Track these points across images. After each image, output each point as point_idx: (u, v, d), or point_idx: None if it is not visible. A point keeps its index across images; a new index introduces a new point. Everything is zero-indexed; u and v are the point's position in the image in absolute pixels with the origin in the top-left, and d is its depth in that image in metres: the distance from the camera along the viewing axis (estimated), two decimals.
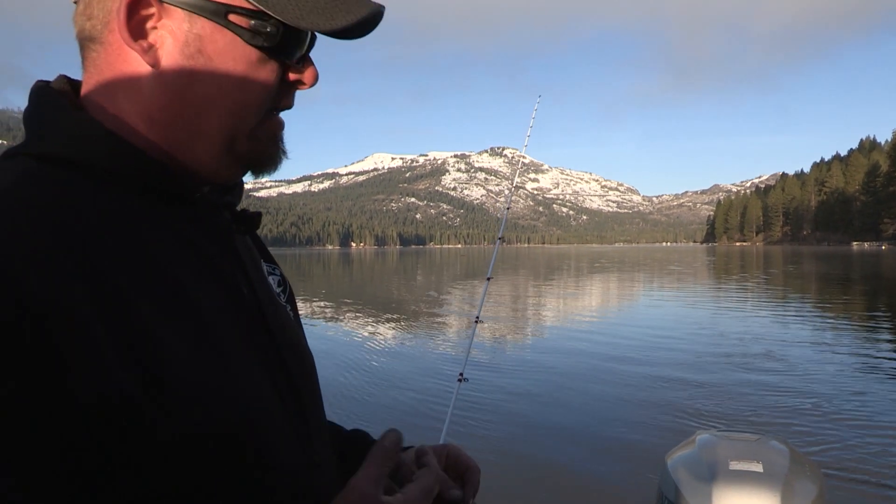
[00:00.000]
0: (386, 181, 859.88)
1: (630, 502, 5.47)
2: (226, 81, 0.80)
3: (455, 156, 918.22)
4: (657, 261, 76.81)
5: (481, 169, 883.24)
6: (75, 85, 0.85)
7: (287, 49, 0.82)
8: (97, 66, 0.80)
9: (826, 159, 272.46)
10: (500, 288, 33.50)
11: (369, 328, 17.99)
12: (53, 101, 0.80)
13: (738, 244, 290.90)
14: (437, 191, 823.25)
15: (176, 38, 0.78)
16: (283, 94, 0.86)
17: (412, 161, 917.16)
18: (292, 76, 0.85)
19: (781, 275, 43.95)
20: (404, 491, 0.82)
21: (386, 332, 17.31)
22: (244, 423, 0.75)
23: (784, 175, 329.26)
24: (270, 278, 1.02)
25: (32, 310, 0.60)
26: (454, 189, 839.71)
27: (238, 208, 0.94)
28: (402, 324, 19.25)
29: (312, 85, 0.87)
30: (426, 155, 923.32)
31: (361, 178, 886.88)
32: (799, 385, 10.01)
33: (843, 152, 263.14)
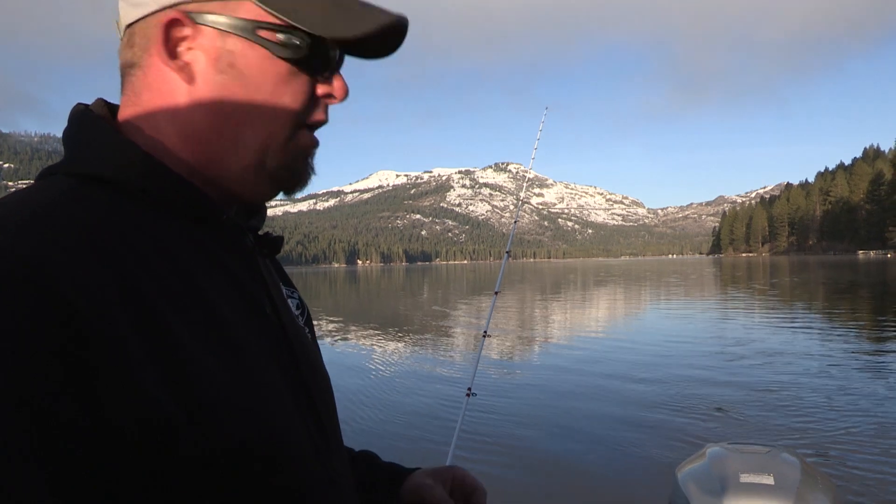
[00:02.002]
0: (391, 198, 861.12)
1: None
2: (257, 94, 0.82)
3: (459, 172, 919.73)
4: (664, 273, 76.65)
5: (486, 185, 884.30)
6: (112, 108, 0.89)
7: (315, 62, 0.85)
8: (135, 89, 0.84)
9: (830, 169, 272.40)
10: (508, 302, 33.46)
11: (376, 343, 17.96)
12: (92, 123, 0.83)
13: (744, 255, 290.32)
14: (443, 207, 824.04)
15: (209, 55, 0.81)
16: (313, 109, 0.88)
17: (417, 178, 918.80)
18: (321, 90, 0.87)
19: (789, 285, 43.78)
20: None
21: (393, 348, 17.27)
22: (273, 443, 0.77)
23: (789, 185, 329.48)
24: (289, 301, 1.04)
25: (76, 328, 0.62)
26: (459, 205, 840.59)
27: (260, 232, 0.96)
28: (410, 339, 19.22)
29: (343, 98, 0.89)
30: (431, 171, 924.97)
31: (366, 195, 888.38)
32: (810, 395, 9.96)
33: (848, 161, 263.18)
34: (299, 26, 0.82)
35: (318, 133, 0.86)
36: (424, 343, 18.32)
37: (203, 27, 0.81)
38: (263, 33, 0.81)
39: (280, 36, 0.82)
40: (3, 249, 0.63)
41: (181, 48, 0.82)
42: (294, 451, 0.81)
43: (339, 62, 0.89)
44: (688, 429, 8.28)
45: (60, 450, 0.59)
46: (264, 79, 0.82)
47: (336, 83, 0.88)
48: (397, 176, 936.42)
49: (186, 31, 0.81)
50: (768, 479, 2.18)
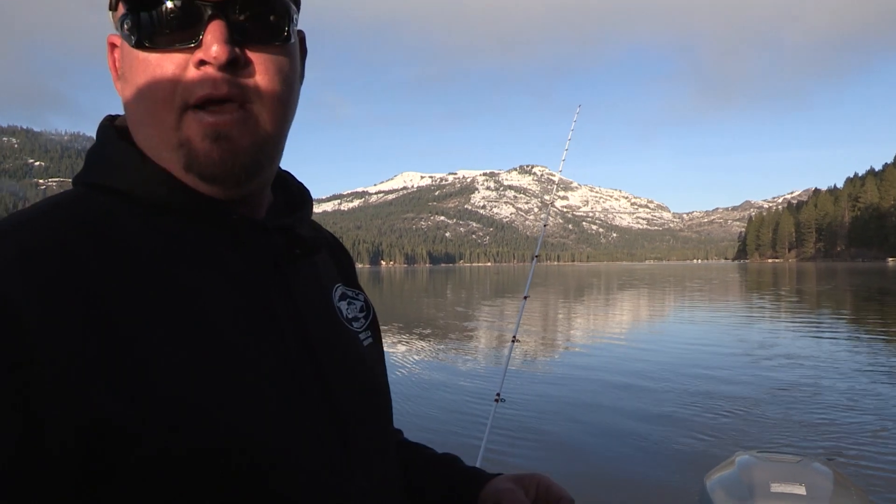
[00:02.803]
0: (415, 200, 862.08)
1: None
2: (136, 92, 0.79)
3: (484, 174, 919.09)
4: (690, 278, 76.14)
5: (510, 187, 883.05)
6: None
7: (155, 33, 0.77)
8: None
9: (860, 174, 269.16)
10: (535, 305, 33.40)
11: (403, 347, 17.99)
12: (105, 133, 0.85)
13: (770, 261, 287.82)
14: (467, 209, 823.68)
15: (120, 64, 0.82)
16: (191, 87, 0.78)
17: (441, 179, 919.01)
18: (195, 57, 0.77)
19: (819, 293, 43.30)
20: None
21: (420, 352, 17.30)
22: (249, 453, 0.73)
23: (816, 191, 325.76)
24: (346, 303, 1.01)
25: (18, 333, 0.62)
26: (483, 207, 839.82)
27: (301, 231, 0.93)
28: (437, 343, 19.23)
29: (222, 58, 0.76)
30: (455, 173, 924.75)
31: (391, 196, 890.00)
32: (843, 402, 9.86)
33: (878, 167, 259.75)
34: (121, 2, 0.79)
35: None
36: (452, 348, 18.33)
37: (119, 37, 0.81)
38: (126, 27, 0.79)
39: (127, 23, 0.78)
40: None
41: (117, 63, 0.84)
42: (284, 463, 0.76)
43: (197, 18, 0.77)
44: (716, 433, 8.24)
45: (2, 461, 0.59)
46: (133, 74, 0.79)
47: (206, 42, 0.76)
48: (422, 177, 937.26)
49: (117, 45, 0.83)
50: (800, 489, 2.12)
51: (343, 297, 1.02)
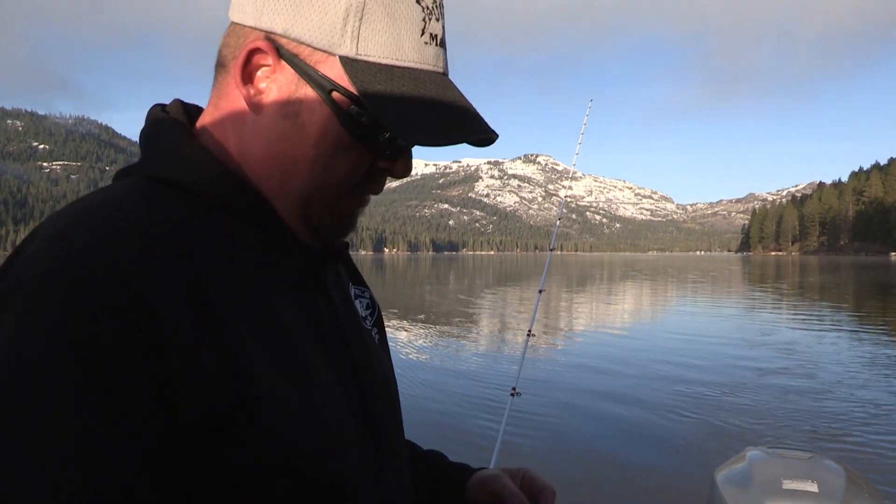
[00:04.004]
0: (419, 187, 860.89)
1: None
2: (313, 153, 0.82)
3: (488, 162, 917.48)
4: (694, 270, 76.05)
5: (514, 176, 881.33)
6: (189, 108, 0.92)
7: (381, 145, 0.83)
8: (219, 91, 0.86)
9: (865, 168, 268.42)
10: (545, 296, 33.19)
11: (414, 339, 17.96)
12: (169, 126, 0.86)
13: (773, 254, 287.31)
14: (471, 197, 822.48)
15: (280, 93, 0.81)
16: (370, 178, 0.87)
17: (445, 167, 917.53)
18: (382, 164, 0.86)
19: (823, 286, 43.26)
20: None
21: (431, 344, 17.28)
22: (325, 455, 0.77)
23: (821, 184, 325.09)
24: (358, 301, 1.03)
25: (153, 327, 0.65)
26: (487, 196, 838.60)
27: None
28: (449, 335, 19.20)
29: (402, 177, 0.87)
30: (459, 161, 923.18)
31: (395, 184, 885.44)
32: (851, 398, 9.86)
33: (883, 161, 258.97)
34: (377, 119, 0.80)
35: None
36: (465, 341, 18.30)
37: (285, 64, 0.81)
38: (337, 97, 0.80)
39: (352, 107, 0.80)
40: (84, 250, 0.67)
41: (259, 75, 0.82)
42: (341, 458, 0.80)
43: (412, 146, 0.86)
44: (729, 426, 8.24)
45: (142, 439, 0.63)
46: (323, 140, 0.81)
47: (399, 164, 0.86)
48: (426, 165, 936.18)
49: (269, 61, 0.81)
50: (812, 486, 2.10)
51: (356, 296, 1.04)
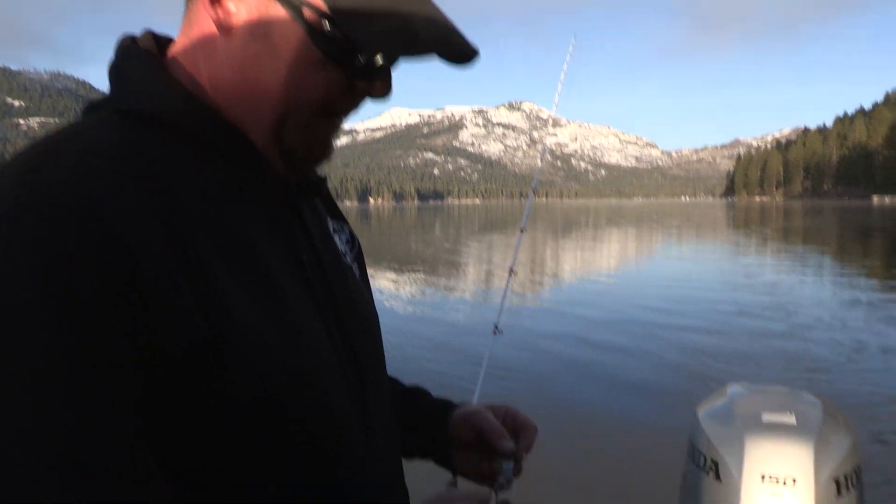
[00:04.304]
0: (403, 137, 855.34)
1: (660, 455, 5.49)
2: (285, 73, 0.79)
3: (473, 111, 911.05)
4: (680, 216, 76.35)
5: (499, 124, 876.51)
6: (160, 40, 0.88)
7: (357, 66, 0.81)
8: (189, 18, 0.84)
9: (849, 113, 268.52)
10: (528, 240, 33.36)
11: (396, 282, 18.04)
12: (139, 58, 0.83)
13: (757, 199, 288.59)
14: (455, 146, 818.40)
15: (250, 14, 0.79)
16: (346, 100, 0.85)
17: (430, 117, 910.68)
18: (361, 86, 0.83)
19: (806, 230, 43.57)
20: None
21: (415, 286, 17.38)
22: (307, 386, 0.77)
23: (806, 130, 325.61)
24: (337, 236, 1.02)
25: (131, 261, 0.64)
26: (472, 144, 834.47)
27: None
28: (434, 278, 19.30)
29: (382, 98, 0.85)
30: (443, 109, 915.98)
31: (379, 133, 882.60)
32: (825, 338, 9.99)
33: (868, 106, 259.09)
34: (349, 35, 0.79)
35: None
36: (448, 281, 18.38)
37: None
38: (308, 14, 0.78)
39: (326, 25, 0.78)
40: (57, 187, 0.64)
41: None
42: (326, 393, 0.80)
43: (392, 60, 0.84)
44: (707, 369, 8.35)
45: (125, 382, 0.62)
46: (295, 60, 0.79)
47: (378, 84, 0.84)
48: (409, 114, 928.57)
49: None
50: (790, 419, 2.18)
51: (334, 231, 1.02)
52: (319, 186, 0.96)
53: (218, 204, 0.77)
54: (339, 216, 1.07)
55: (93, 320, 0.61)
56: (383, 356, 1.02)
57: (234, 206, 0.79)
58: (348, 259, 1.02)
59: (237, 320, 0.70)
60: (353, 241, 1.07)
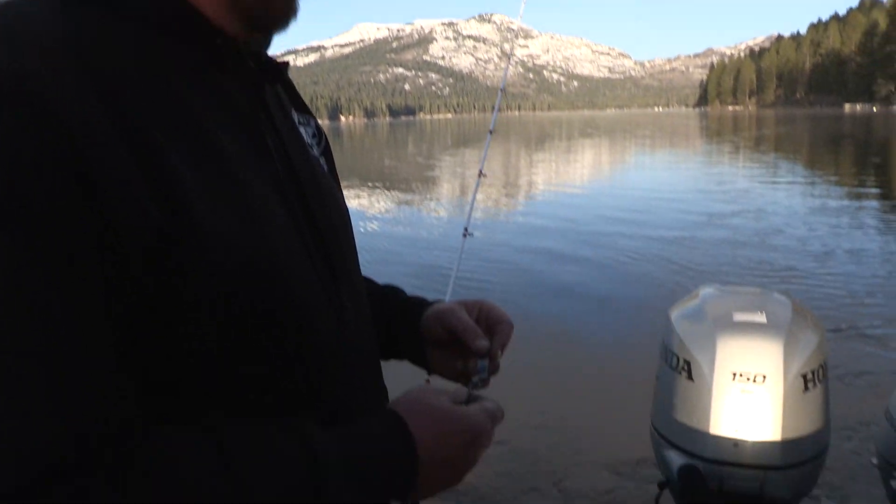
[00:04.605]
0: (372, 52, 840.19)
1: (633, 356, 5.54)
2: None
3: (442, 24, 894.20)
4: (652, 126, 76.18)
5: (470, 37, 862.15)
6: None
7: None
8: None
9: (823, 20, 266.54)
10: (500, 153, 33.33)
11: (372, 197, 17.92)
12: None
13: (730, 108, 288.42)
14: (426, 60, 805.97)
15: None
16: None
17: (398, 31, 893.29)
18: None
19: (771, 137, 43.72)
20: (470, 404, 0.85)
21: (390, 200, 17.29)
22: (273, 278, 0.73)
23: (779, 37, 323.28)
24: (303, 129, 0.98)
25: (69, 142, 0.58)
26: (442, 58, 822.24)
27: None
28: (407, 190, 19.23)
29: None
30: (412, 23, 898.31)
31: (347, 49, 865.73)
32: (794, 244, 10.09)
33: (843, 12, 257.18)
34: None
35: None
36: (419, 189, 18.31)
37: None
38: None
39: None
40: None
41: None
42: (295, 283, 0.76)
43: None
44: (678, 273, 8.41)
45: (68, 257, 0.58)
46: None
47: None
48: (378, 28, 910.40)
49: None
50: (760, 318, 2.22)
51: (299, 122, 0.98)
52: (281, 72, 0.90)
53: (168, 84, 0.71)
54: (304, 109, 1.03)
55: (39, 217, 0.56)
56: (355, 250, 0.99)
57: (188, 88, 0.73)
58: (315, 152, 0.98)
59: (195, 208, 0.65)
60: (320, 135, 1.03)
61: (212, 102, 0.75)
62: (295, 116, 0.98)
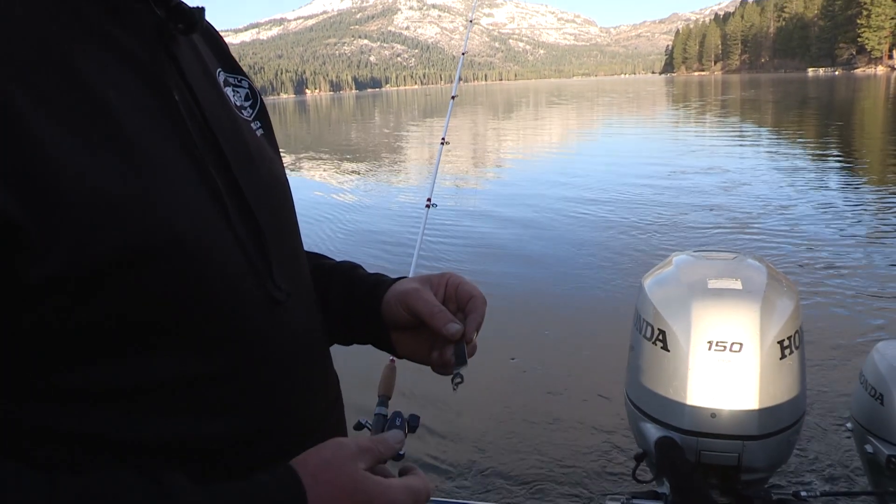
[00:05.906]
0: (336, 24, 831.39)
1: (606, 326, 5.46)
2: None
3: None
4: (618, 93, 76.32)
5: (434, 6, 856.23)
6: None
7: None
8: None
9: None
10: (466, 124, 33.20)
11: (333, 165, 17.75)
12: None
13: (696, 74, 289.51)
14: (390, 31, 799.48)
15: None
16: None
17: (362, 1, 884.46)
18: None
19: (737, 101, 44.00)
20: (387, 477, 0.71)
21: (352, 167, 17.14)
22: (174, 248, 0.65)
23: (744, 1, 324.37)
24: (230, 89, 0.90)
25: None
26: (407, 28, 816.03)
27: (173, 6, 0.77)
28: (369, 157, 19.09)
29: None
30: None
31: (311, 21, 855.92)
32: (759, 209, 10.08)
33: None
34: None
35: None
36: (383, 160, 18.14)
37: None
38: None
39: None
40: None
41: None
42: (209, 265, 0.69)
43: None
44: (649, 240, 8.36)
45: None
46: None
47: None
48: (341, 0, 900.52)
49: None
50: (736, 284, 2.20)
51: (226, 83, 0.90)
52: (194, 22, 0.78)
53: (47, 42, 0.62)
54: (235, 69, 0.94)
55: None
56: (296, 224, 0.92)
57: (74, 43, 0.65)
58: (245, 115, 0.90)
59: (59, 176, 0.57)
60: (254, 96, 0.94)
61: (105, 57, 0.67)
62: (222, 76, 0.89)
